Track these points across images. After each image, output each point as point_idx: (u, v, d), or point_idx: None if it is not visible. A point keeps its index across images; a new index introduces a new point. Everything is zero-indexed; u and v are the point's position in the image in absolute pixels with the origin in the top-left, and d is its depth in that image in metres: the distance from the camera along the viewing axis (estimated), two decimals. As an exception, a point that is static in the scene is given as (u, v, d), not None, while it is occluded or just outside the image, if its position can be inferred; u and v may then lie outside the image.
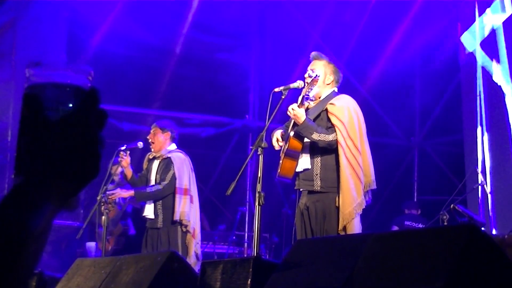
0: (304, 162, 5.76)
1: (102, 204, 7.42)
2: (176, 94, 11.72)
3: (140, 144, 7.68)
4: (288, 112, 5.72)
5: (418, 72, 12.37)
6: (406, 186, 12.30)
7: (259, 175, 5.58)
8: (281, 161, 5.76)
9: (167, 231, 7.44)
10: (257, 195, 5.48)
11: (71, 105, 1.18)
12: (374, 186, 5.76)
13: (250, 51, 12.17)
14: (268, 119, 5.65)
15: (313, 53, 6.08)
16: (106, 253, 7.63)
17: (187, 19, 11.29)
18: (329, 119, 5.74)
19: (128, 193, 7.59)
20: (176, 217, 7.40)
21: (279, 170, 5.76)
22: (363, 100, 10.96)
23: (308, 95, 5.63)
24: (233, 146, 12.22)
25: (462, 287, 3.16)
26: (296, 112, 5.63)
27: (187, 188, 7.53)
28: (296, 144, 5.73)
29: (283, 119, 6.02)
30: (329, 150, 5.68)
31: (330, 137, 5.64)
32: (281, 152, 5.81)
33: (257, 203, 5.47)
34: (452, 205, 7.37)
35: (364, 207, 5.64)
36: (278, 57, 11.98)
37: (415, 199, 12.14)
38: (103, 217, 7.37)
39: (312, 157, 5.75)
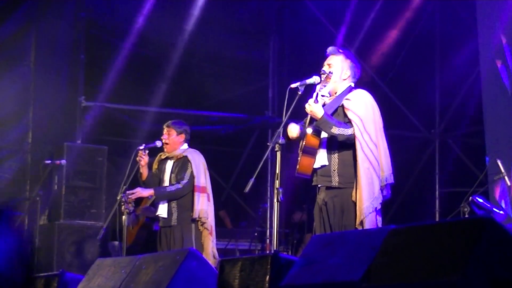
0: (322, 158, 5.75)
1: (122, 203, 7.45)
2: (195, 92, 11.74)
3: (159, 143, 7.70)
4: (305, 109, 5.72)
5: (438, 63, 12.28)
6: (428, 179, 12.23)
7: (277, 172, 5.59)
8: (299, 158, 5.76)
9: (180, 228, 7.45)
10: (275, 191, 5.49)
11: None
12: (391, 180, 5.75)
13: (268, 47, 12.18)
14: (285, 115, 5.66)
15: (330, 48, 6.06)
16: (127, 245, 7.65)
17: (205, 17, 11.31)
18: (345, 115, 5.73)
19: (148, 192, 7.56)
20: (196, 215, 7.41)
21: (297, 167, 5.76)
22: (381, 93, 10.93)
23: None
24: (253, 143, 12.22)
25: (478, 280, 3.15)
26: (312, 107, 5.63)
27: (204, 186, 7.54)
28: (313, 141, 5.73)
29: (301, 115, 6.02)
30: (347, 146, 5.67)
31: (349, 131, 5.63)
32: (299, 149, 5.81)
33: (275, 200, 5.49)
34: (470, 198, 7.31)
35: (381, 201, 5.63)
36: (297, 52, 11.99)
37: (437, 192, 12.05)
38: (124, 216, 7.40)
39: (329, 153, 5.75)
